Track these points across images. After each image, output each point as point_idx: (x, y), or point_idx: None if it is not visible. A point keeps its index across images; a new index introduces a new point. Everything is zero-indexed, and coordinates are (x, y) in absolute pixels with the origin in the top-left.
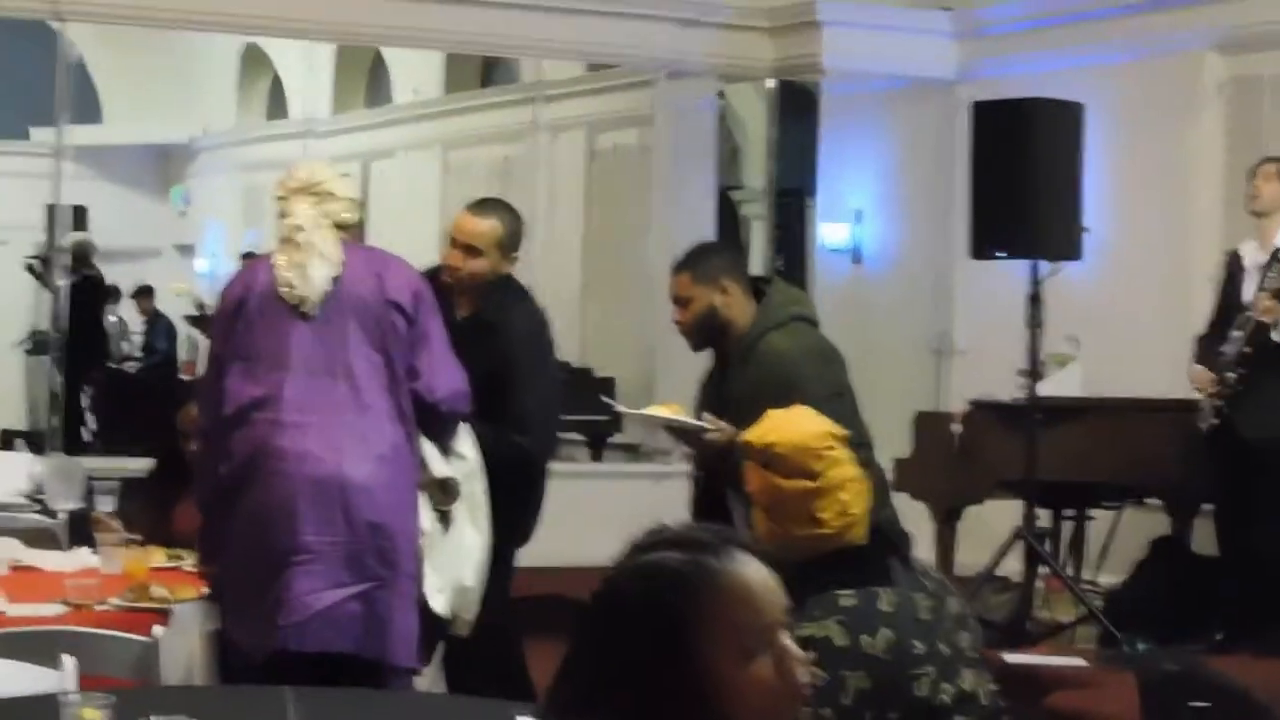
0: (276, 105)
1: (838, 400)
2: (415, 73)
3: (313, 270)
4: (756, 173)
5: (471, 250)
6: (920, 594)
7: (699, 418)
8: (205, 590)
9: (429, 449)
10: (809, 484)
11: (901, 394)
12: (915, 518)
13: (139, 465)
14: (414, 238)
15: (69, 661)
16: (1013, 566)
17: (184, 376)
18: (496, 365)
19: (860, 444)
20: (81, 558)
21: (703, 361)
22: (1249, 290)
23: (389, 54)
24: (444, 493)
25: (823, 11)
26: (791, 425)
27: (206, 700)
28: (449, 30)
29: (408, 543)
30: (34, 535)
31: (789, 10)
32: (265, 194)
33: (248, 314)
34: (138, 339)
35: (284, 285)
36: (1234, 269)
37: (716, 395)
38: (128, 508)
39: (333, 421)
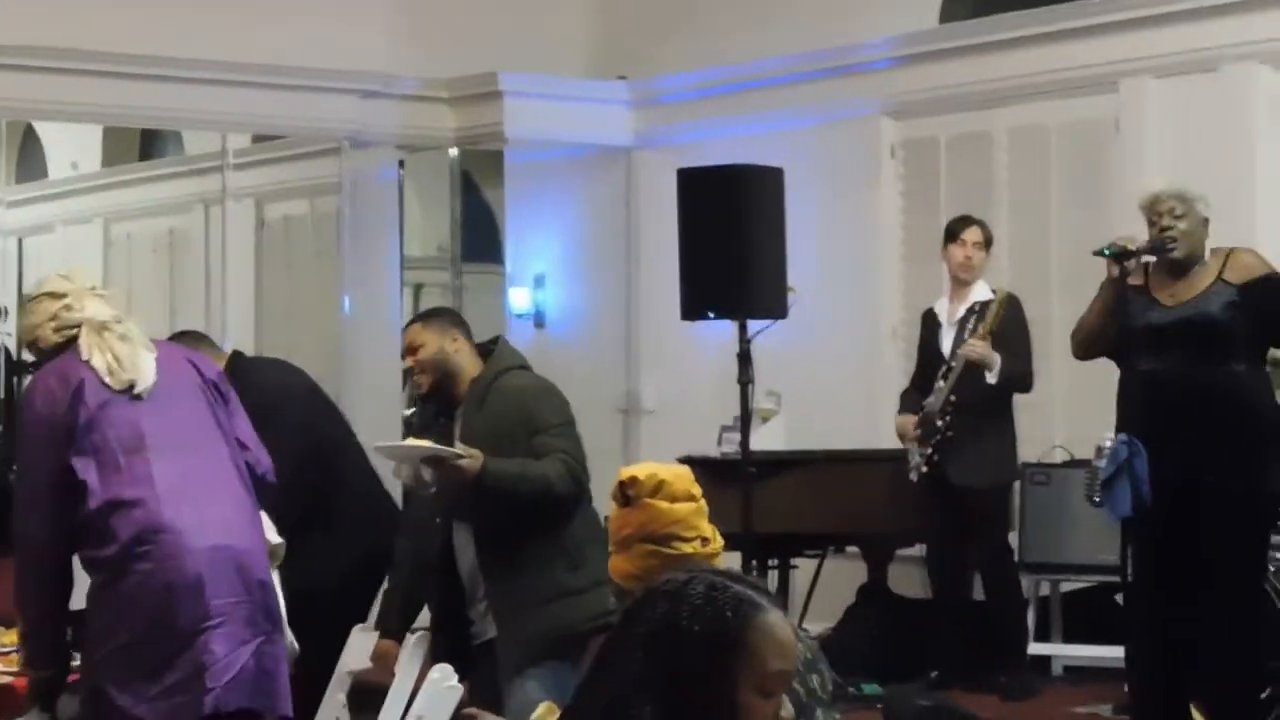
0: None
1: (570, 429)
2: (71, 146)
3: (140, 357)
4: (439, 241)
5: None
6: None
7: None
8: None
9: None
10: (694, 505)
11: (591, 454)
12: None
13: None
14: None
15: None
16: None
17: None
18: None
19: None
20: None
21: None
22: (947, 344)
23: (41, 127)
24: (273, 559)
25: (504, 82)
26: (659, 464)
27: None
28: (108, 104)
29: (278, 601)
30: None
31: (471, 81)
32: None
33: (85, 410)
34: None
35: (112, 373)
36: (931, 325)
37: (440, 439)
38: None
39: (203, 491)
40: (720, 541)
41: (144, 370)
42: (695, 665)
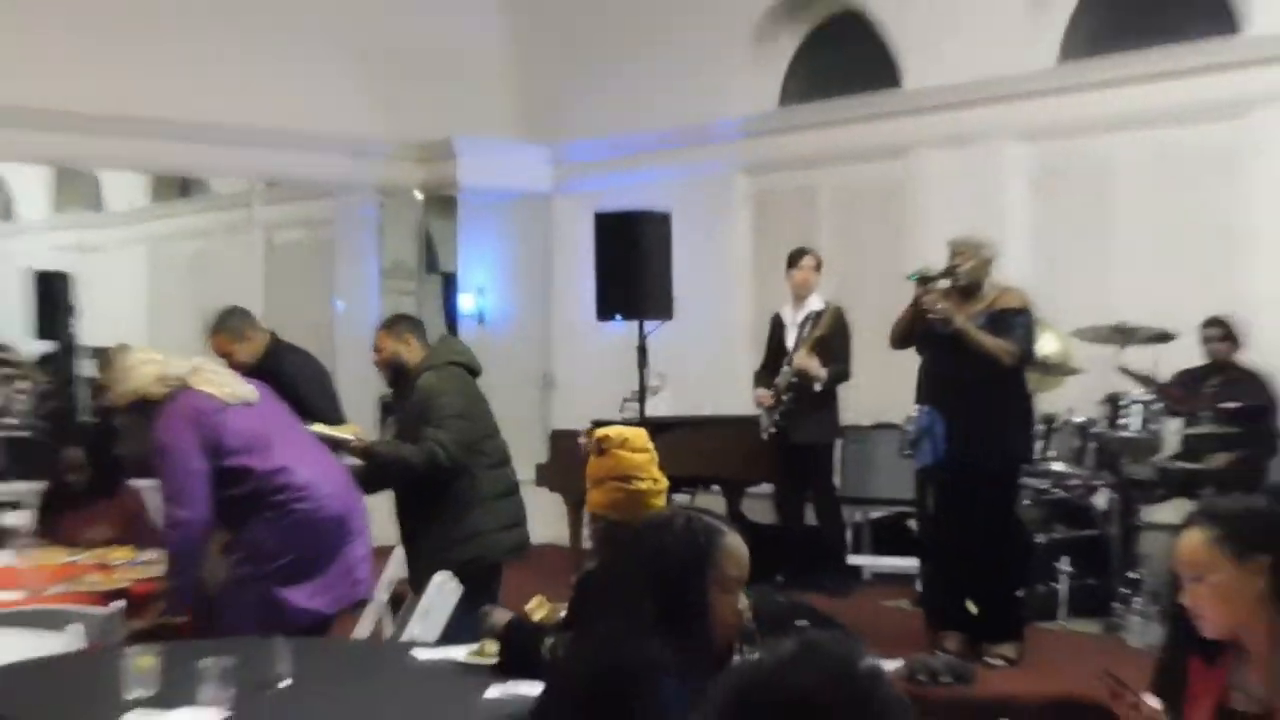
0: (3, 206)
1: (460, 420)
2: (125, 183)
3: (235, 379)
4: (407, 260)
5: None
6: None
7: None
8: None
9: None
10: (648, 455)
11: (516, 419)
12: (555, 507)
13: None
14: (126, 319)
15: (77, 628)
16: None
17: None
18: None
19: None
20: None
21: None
22: (790, 339)
23: (100, 171)
24: None
25: (457, 145)
26: (625, 427)
27: (221, 647)
28: (154, 156)
29: None
30: None
31: (432, 145)
32: None
33: (226, 425)
34: None
35: (230, 396)
36: (777, 326)
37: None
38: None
39: (313, 456)
40: (666, 482)
41: (244, 386)
42: (680, 574)
